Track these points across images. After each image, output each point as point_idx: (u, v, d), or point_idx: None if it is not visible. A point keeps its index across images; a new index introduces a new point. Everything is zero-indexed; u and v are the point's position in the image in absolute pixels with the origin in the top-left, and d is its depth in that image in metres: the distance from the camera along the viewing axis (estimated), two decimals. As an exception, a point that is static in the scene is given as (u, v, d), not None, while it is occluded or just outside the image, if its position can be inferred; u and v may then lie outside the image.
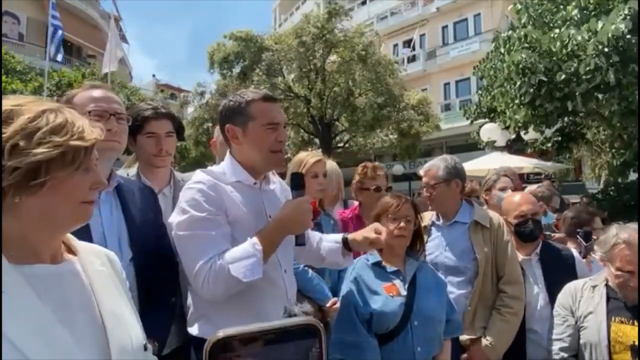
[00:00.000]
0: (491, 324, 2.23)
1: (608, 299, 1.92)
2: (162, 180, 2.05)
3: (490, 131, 10.13)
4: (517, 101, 7.40)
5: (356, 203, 2.89)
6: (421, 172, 2.62)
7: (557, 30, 6.56)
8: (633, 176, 9.30)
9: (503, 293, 2.26)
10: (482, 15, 21.03)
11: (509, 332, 2.21)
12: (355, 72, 16.36)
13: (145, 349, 0.93)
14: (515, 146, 11.15)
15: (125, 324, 0.90)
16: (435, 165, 2.44)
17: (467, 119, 11.47)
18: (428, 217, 2.48)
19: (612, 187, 9.29)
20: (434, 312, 1.91)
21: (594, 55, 5.98)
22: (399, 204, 1.97)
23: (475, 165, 8.38)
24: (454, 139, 19.66)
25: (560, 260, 2.40)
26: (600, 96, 6.80)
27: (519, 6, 8.06)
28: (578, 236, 2.87)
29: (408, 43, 24.16)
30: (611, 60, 5.97)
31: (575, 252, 2.52)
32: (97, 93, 1.61)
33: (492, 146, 10.56)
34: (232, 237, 1.49)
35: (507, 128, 8.80)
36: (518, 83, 7.14)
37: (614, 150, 9.94)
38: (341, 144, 18.67)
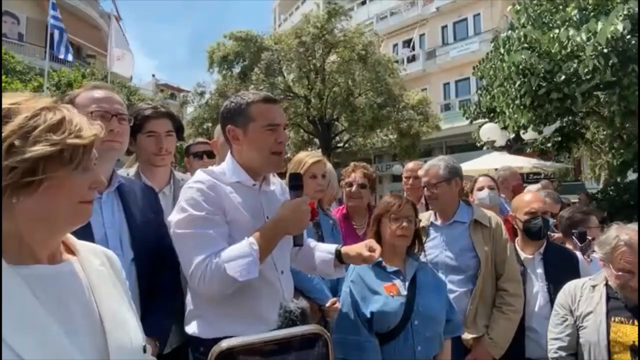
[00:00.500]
0: (494, 322, 2.26)
1: (608, 298, 1.92)
2: (162, 179, 2.06)
3: (489, 131, 10.13)
4: (517, 101, 7.41)
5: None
6: (420, 172, 2.63)
7: (556, 31, 6.55)
8: (632, 176, 9.30)
9: (503, 291, 2.28)
10: (481, 15, 21.03)
11: (510, 329, 2.25)
12: (355, 72, 16.36)
13: (145, 350, 0.92)
14: (515, 146, 11.16)
15: (125, 324, 0.89)
16: (436, 165, 2.45)
17: (467, 119, 11.49)
18: (426, 217, 2.49)
19: (612, 187, 9.30)
20: (435, 311, 1.92)
21: (593, 56, 5.98)
22: (401, 204, 1.98)
23: (475, 165, 8.39)
24: (454, 139, 19.67)
25: (564, 261, 2.40)
26: (600, 96, 6.80)
27: (518, 7, 8.06)
28: (573, 237, 2.88)
29: (408, 43, 24.16)
30: (610, 62, 5.97)
31: (579, 254, 2.52)
32: (99, 94, 1.61)
33: (491, 146, 10.57)
34: (230, 237, 1.50)
35: (505, 128, 8.80)
36: (518, 83, 7.14)
37: (613, 150, 9.94)
38: (341, 144, 18.67)
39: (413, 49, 23.70)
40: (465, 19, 21.90)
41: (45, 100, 0.82)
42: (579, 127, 10.49)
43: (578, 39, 6.08)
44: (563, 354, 2.00)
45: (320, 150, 16.20)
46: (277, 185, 1.78)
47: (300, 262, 1.85)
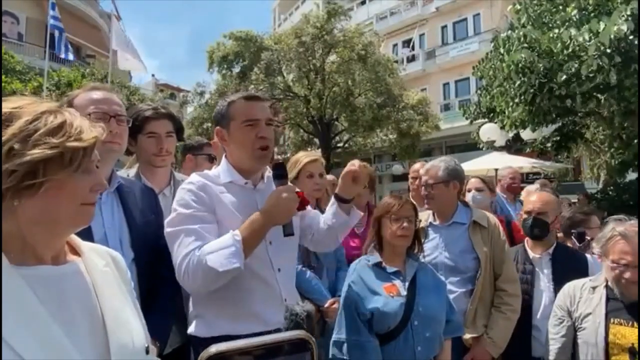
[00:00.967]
0: (493, 322, 2.27)
1: (607, 300, 1.90)
2: (162, 180, 2.06)
3: (489, 131, 10.12)
4: (516, 100, 7.41)
5: None
6: (421, 171, 2.64)
7: (556, 31, 6.55)
8: (632, 176, 9.32)
9: (502, 291, 2.30)
10: (481, 15, 21.02)
11: (509, 329, 2.26)
12: (355, 72, 16.36)
13: (147, 352, 0.92)
14: (515, 146, 11.16)
15: (128, 325, 0.89)
16: (436, 166, 2.47)
17: (467, 119, 11.48)
18: (424, 218, 2.49)
19: (611, 187, 9.30)
20: (435, 312, 1.92)
21: (595, 56, 5.98)
22: (401, 204, 1.98)
23: (475, 165, 8.38)
24: (454, 139, 19.67)
25: (573, 263, 2.39)
26: (600, 96, 6.80)
27: (518, 6, 8.07)
28: (572, 237, 2.88)
29: (407, 43, 24.15)
30: (613, 62, 5.97)
31: (589, 257, 2.49)
32: (97, 95, 1.61)
33: (491, 146, 10.57)
34: (220, 236, 1.49)
35: (504, 127, 8.80)
36: (517, 83, 7.14)
37: (612, 150, 9.94)
38: (341, 144, 18.66)
39: (413, 49, 23.69)
40: (465, 19, 21.89)
41: (47, 104, 0.83)
42: (578, 127, 10.48)
43: (580, 39, 6.08)
44: (560, 355, 1.99)
45: (320, 150, 16.22)
46: None
47: (322, 237, 1.80)
